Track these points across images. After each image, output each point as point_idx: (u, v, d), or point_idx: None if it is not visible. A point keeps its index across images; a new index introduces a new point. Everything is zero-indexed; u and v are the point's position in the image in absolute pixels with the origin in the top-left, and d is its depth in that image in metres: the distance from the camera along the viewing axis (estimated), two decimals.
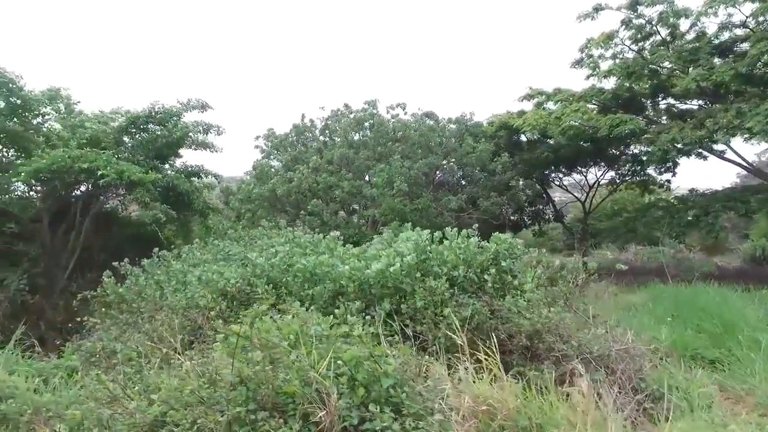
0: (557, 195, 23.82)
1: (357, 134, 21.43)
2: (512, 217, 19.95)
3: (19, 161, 11.99)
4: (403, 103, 20.04)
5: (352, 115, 22.54)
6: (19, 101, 11.96)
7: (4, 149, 12.38)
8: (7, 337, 11.63)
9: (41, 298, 12.35)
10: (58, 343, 8.75)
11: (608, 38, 14.84)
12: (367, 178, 18.47)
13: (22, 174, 10.79)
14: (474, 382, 3.08)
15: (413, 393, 2.97)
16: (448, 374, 3.22)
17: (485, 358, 3.37)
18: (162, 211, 12.72)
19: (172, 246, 16.13)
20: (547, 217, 21.31)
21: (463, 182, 18.62)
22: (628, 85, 15.20)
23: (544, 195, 20.66)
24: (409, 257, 4.82)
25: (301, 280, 5.77)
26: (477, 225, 6.07)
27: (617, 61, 15.24)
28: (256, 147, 23.37)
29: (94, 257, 14.16)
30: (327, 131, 23.74)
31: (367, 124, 20.97)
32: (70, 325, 13.33)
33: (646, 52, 14.68)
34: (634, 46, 14.97)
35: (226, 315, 6.60)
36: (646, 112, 16.21)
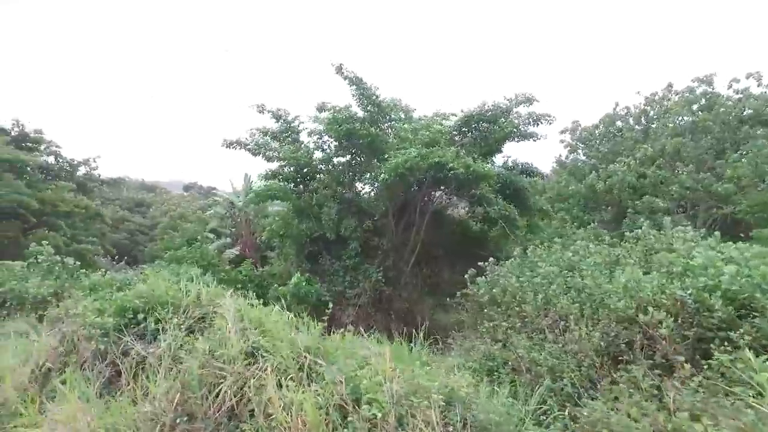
0: None
1: (684, 118, 17.76)
2: None
3: (375, 161, 13.50)
4: (756, 72, 15.56)
5: (676, 97, 18.75)
6: (376, 109, 13.46)
7: (362, 153, 14.06)
8: (369, 324, 13.22)
9: (390, 288, 13.67)
10: (403, 332, 8.98)
11: None
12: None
13: (384, 171, 11.95)
14: None
15: None
16: None
17: None
18: (502, 209, 12.51)
19: (501, 246, 16.26)
20: None
21: None
22: None
23: None
24: None
25: None
26: None
27: None
28: (561, 141, 21.87)
29: (430, 252, 15.12)
30: (643, 118, 20.48)
31: (695, 106, 17.17)
32: (416, 315, 14.83)
33: None
34: None
35: (673, 336, 5.26)
36: None
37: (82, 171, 32.55)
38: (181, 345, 5.25)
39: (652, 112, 19.72)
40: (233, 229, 30.16)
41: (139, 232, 43.59)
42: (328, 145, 14.03)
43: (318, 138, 13.78)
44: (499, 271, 9.60)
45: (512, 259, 10.18)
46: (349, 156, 13.85)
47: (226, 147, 13.04)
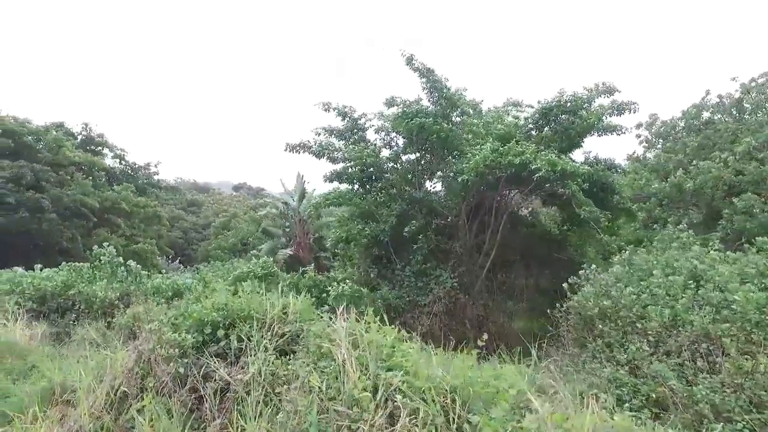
0: None
1: None
2: None
3: (449, 159, 12.52)
4: None
5: None
6: (447, 102, 12.46)
7: (432, 150, 13.09)
8: (445, 333, 12.24)
9: (465, 295, 12.67)
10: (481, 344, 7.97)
11: None
12: None
13: (464, 170, 10.98)
14: None
15: None
16: None
17: None
18: (592, 209, 11.25)
19: (583, 249, 14.94)
20: None
21: None
22: None
23: None
24: None
25: None
26: None
27: None
28: (638, 137, 20.21)
29: (504, 256, 13.99)
30: (735, 110, 18.56)
31: None
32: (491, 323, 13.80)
33: None
34: None
35: None
36: None
37: (142, 174, 33.34)
38: (274, 371, 4.49)
39: (748, 101, 17.76)
40: (287, 230, 29.99)
41: (192, 230, 44.51)
42: (395, 143, 13.17)
43: (385, 135, 12.94)
44: (605, 280, 8.40)
45: (617, 266, 8.97)
46: (418, 153, 12.91)
47: (289, 151, 12.43)
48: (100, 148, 31.27)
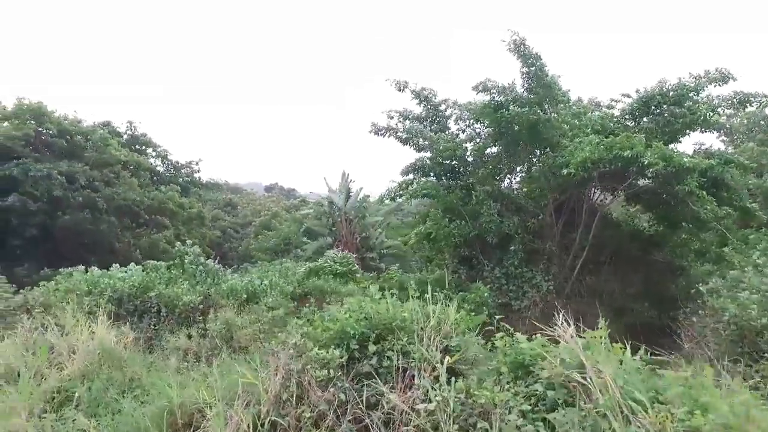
0: None
1: None
2: None
3: (542, 152, 11.46)
4: None
5: None
6: (542, 90, 11.37)
7: (519, 142, 12.02)
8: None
9: (559, 299, 11.60)
10: None
11: None
12: None
13: (571, 163, 9.95)
14: None
15: None
16: None
17: None
18: (715, 209, 10.01)
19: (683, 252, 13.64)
20: None
21: None
22: None
23: None
24: None
25: None
26: None
27: None
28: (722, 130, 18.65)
29: (593, 257, 12.83)
30: None
31: None
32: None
33: None
34: None
35: None
36: None
37: (184, 173, 33.17)
38: (462, 398, 3.57)
39: None
40: (333, 229, 29.25)
41: (231, 230, 44.32)
42: (478, 133, 12.15)
43: (467, 125, 11.93)
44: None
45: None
46: (503, 146, 11.83)
47: (375, 134, 11.53)
48: (143, 147, 31.17)
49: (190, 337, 7.05)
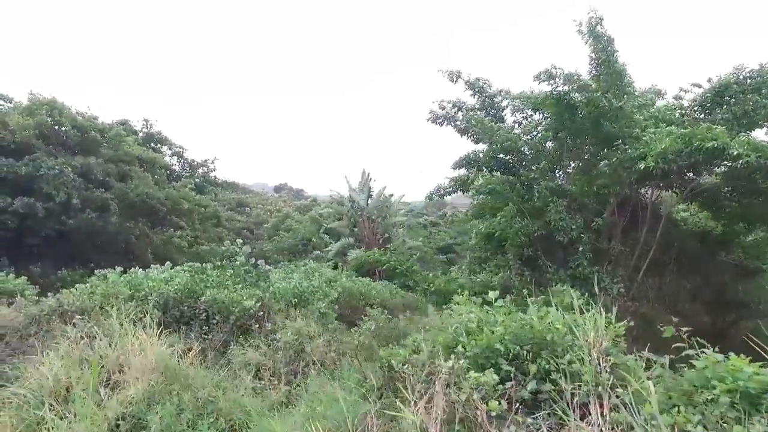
0: None
1: None
2: None
3: (613, 146, 10.57)
4: None
5: None
6: (611, 78, 10.47)
7: (577, 135, 11.18)
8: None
9: (631, 304, 10.77)
10: None
11: None
12: None
13: (650, 157, 9.12)
14: None
15: None
16: None
17: None
18: None
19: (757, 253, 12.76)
20: None
21: None
22: None
23: None
24: None
25: None
26: None
27: None
28: None
29: (657, 259, 11.98)
30: None
31: None
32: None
33: None
34: None
35: None
36: None
37: (201, 172, 32.43)
38: None
39: None
40: (354, 229, 28.45)
41: (245, 230, 43.59)
42: (535, 126, 11.30)
43: (525, 117, 11.09)
44: None
45: None
46: (563, 139, 10.97)
47: (432, 122, 10.71)
48: (159, 145, 30.43)
49: (257, 348, 6.21)
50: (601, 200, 11.22)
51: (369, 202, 27.94)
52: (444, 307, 8.73)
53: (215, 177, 33.83)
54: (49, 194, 20.44)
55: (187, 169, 31.78)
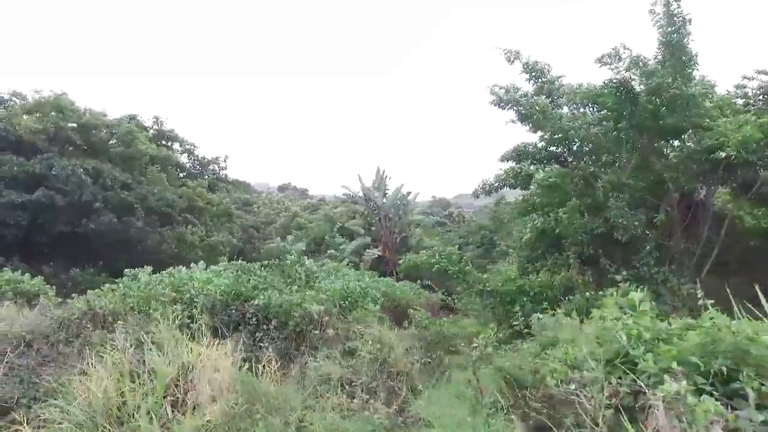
0: None
1: None
2: None
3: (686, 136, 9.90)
4: None
5: None
6: (680, 62, 9.72)
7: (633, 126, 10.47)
8: None
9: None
10: None
11: None
12: None
13: (730, 146, 8.46)
14: None
15: None
16: None
17: None
18: None
19: None
20: None
21: None
22: None
23: None
24: None
25: None
26: None
27: None
28: None
29: (717, 259, 11.30)
30: None
31: None
32: None
33: None
34: None
35: None
36: None
37: (211, 169, 31.75)
38: None
39: None
40: (371, 228, 27.76)
41: (253, 228, 42.95)
42: (585, 114, 10.62)
43: (583, 104, 10.40)
44: None
45: None
46: (623, 130, 10.26)
47: (496, 105, 10.00)
48: (170, 142, 29.70)
49: (333, 359, 5.50)
50: (659, 196, 10.53)
51: (385, 200, 27.27)
52: (512, 311, 8.14)
53: (226, 175, 33.16)
54: (64, 191, 19.80)
55: (198, 166, 31.07)
